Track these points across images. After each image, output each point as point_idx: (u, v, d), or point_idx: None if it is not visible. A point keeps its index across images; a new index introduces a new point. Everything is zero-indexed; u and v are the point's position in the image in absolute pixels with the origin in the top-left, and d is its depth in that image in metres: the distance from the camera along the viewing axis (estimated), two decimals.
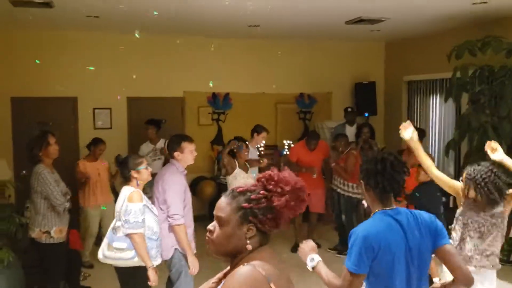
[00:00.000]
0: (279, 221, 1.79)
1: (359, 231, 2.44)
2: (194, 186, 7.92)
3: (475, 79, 6.18)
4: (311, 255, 2.59)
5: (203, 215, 7.41)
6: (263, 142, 6.65)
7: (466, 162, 6.33)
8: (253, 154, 6.28)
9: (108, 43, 7.62)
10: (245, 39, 8.17)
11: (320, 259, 2.58)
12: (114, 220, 3.74)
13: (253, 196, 1.78)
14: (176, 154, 4.07)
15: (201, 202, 7.84)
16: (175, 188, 3.97)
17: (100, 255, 3.73)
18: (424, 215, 2.55)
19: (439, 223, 2.55)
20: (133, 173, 3.69)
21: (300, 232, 6.90)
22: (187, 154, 4.07)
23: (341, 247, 6.63)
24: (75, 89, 7.50)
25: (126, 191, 3.68)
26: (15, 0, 5.18)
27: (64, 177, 4.75)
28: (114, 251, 3.61)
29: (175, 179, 3.99)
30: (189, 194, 4.17)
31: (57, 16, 6.05)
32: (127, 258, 3.59)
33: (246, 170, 5.76)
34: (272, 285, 1.68)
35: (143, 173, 3.74)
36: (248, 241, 1.77)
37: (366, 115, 8.67)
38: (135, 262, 3.62)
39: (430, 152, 7.93)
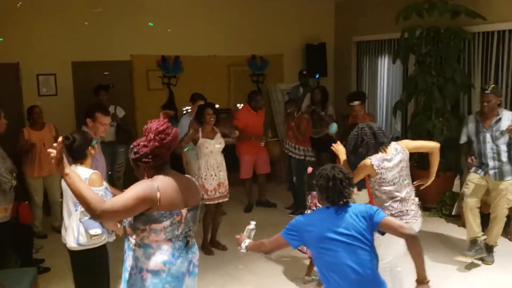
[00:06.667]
0: (160, 156, 2.57)
1: None
2: None
3: (422, 41, 6.31)
4: (244, 242, 3.07)
5: None
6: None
7: (413, 121, 6.54)
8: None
9: (51, 5, 7.22)
10: None
11: (250, 240, 3.09)
12: (79, 206, 3.34)
13: (135, 149, 2.60)
14: (88, 120, 4.13)
15: None
16: None
17: (72, 243, 3.39)
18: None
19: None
20: (90, 150, 3.50)
21: (251, 194, 7.13)
22: (99, 125, 4.12)
23: (295, 207, 6.80)
24: (17, 55, 7.12)
25: (83, 173, 3.29)
26: None
27: (8, 147, 4.55)
28: (92, 238, 3.36)
29: None
30: (102, 161, 4.08)
31: None
32: (102, 241, 3.43)
33: (212, 137, 5.49)
34: (158, 193, 2.47)
35: (96, 147, 3.60)
36: (145, 175, 2.61)
37: (317, 76, 8.71)
38: (103, 241, 3.47)
39: (377, 112, 8.12)
